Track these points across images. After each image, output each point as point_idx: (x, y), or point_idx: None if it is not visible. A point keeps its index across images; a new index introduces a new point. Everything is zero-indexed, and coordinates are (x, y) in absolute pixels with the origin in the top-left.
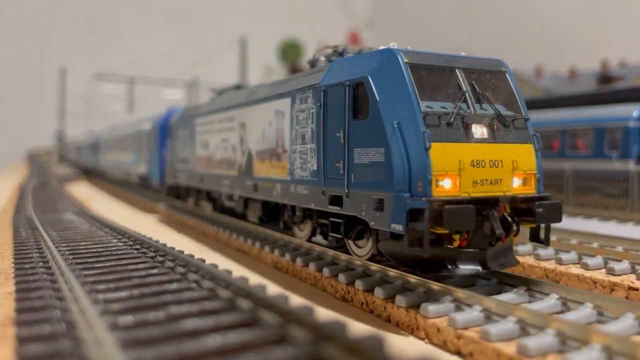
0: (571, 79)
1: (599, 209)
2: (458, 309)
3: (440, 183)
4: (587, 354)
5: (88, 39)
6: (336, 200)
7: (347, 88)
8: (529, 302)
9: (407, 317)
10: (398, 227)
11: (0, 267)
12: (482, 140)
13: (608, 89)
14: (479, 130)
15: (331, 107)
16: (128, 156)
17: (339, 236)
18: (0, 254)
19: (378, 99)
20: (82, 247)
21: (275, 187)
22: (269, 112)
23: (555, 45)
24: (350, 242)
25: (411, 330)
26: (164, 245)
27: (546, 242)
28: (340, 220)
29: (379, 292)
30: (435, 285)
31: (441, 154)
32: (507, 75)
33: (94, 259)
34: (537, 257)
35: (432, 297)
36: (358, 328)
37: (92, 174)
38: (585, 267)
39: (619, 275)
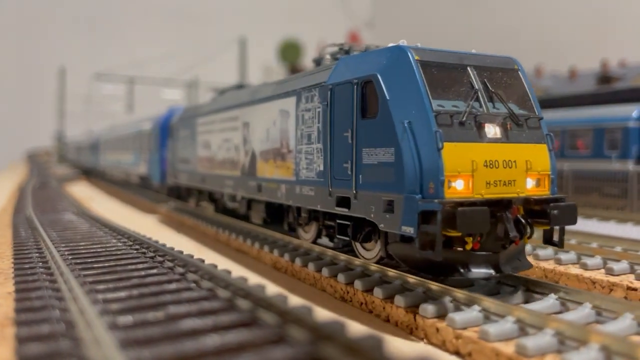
0: (571, 79)
1: (598, 209)
2: (457, 309)
3: (453, 184)
4: (586, 354)
5: (88, 39)
6: (343, 202)
7: (355, 86)
8: (528, 302)
9: (406, 317)
10: (409, 230)
11: None
12: (495, 140)
13: (608, 89)
14: (492, 130)
15: (338, 106)
16: (128, 156)
17: (346, 238)
18: (0, 254)
19: (388, 98)
20: (82, 247)
21: (279, 188)
22: (273, 112)
23: (555, 45)
24: (358, 245)
25: (410, 330)
26: (164, 245)
27: (560, 245)
28: (348, 222)
29: (378, 292)
30: (434, 286)
31: (453, 154)
32: (519, 73)
33: (94, 259)
34: (536, 257)
35: (431, 297)
36: (357, 328)
37: (91, 174)
38: (584, 267)
39: (617, 275)
